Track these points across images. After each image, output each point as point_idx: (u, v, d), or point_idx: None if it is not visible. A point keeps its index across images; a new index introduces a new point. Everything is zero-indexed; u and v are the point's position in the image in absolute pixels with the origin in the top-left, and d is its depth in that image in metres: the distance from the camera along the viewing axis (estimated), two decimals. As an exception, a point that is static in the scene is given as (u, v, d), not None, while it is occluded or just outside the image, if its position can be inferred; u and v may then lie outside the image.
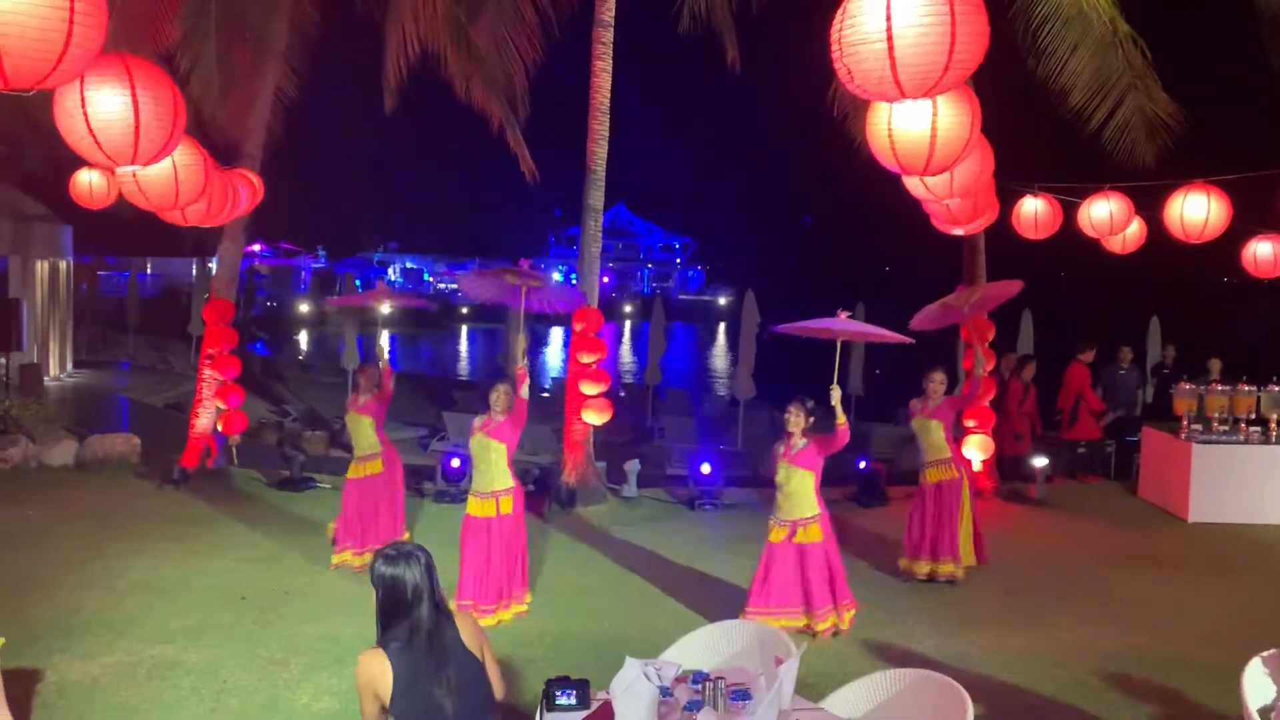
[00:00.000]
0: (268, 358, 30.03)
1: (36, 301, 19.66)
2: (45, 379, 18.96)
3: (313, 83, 13.52)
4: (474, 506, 7.57)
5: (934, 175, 5.57)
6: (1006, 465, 12.49)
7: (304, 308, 55.41)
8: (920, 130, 5.01)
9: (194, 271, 37.14)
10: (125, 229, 18.66)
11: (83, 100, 5.01)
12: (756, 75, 13.26)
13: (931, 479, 8.79)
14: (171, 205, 6.93)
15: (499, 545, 7.53)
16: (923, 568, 8.76)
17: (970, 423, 11.77)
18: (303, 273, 69.11)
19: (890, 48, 4.36)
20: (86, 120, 5.04)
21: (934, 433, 8.78)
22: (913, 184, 6.40)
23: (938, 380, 8.83)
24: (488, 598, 7.48)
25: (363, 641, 7.11)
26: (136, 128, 5.11)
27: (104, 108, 5.05)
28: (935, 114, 4.94)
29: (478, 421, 7.61)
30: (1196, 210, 9.22)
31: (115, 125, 5.08)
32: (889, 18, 4.32)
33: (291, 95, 13.15)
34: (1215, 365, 12.45)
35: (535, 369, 38.76)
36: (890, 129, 5.07)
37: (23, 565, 8.60)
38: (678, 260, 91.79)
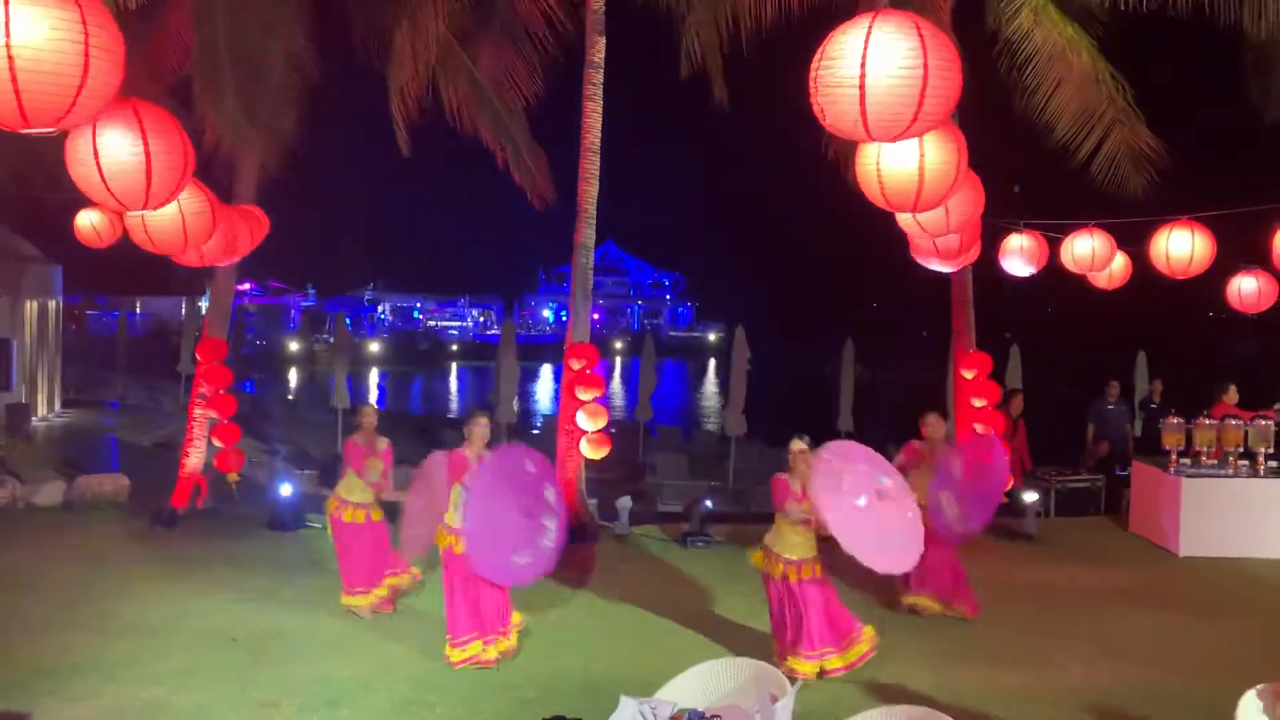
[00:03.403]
0: (256, 397, 30.00)
1: (25, 341, 19.62)
2: (33, 419, 18.88)
3: (304, 121, 13.59)
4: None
5: (923, 212, 5.66)
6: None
7: (293, 346, 55.39)
8: (908, 169, 5.11)
9: (183, 311, 37.13)
10: (115, 269, 18.69)
11: (94, 146, 5.06)
12: (747, 113, 13.39)
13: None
14: (181, 249, 6.95)
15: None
16: (933, 606, 8.74)
17: None
18: (292, 311, 69.14)
19: (862, 94, 4.48)
20: (99, 166, 5.09)
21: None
22: (906, 221, 6.47)
23: (934, 422, 8.81)
24: (495, 626, 7.46)
25: (357, 683, 7.15)
26: (148, 173, 5.16)
27: (115, 153, 5.10)
28: (922, 153, 5.04)
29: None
30: (1181, 247, 9.34)
31: (127, 170, 5.13)
32: (864, 65, 4.45)
33: (285, 135, 13.22)
34: (1233, 390, 12.34)
35: (526, 407, 38.75)
36: (879, 168, 5.17)
37: (10, 607, 8.51)
38: (668, 297, 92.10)
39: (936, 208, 5.60)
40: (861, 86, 4.45)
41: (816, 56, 4.67)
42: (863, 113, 4.50)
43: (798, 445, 7.19)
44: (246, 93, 11.92)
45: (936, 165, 5.10)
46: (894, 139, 4.69)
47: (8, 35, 4.05)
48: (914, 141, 4.99)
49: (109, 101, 4.48)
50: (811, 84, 4.69)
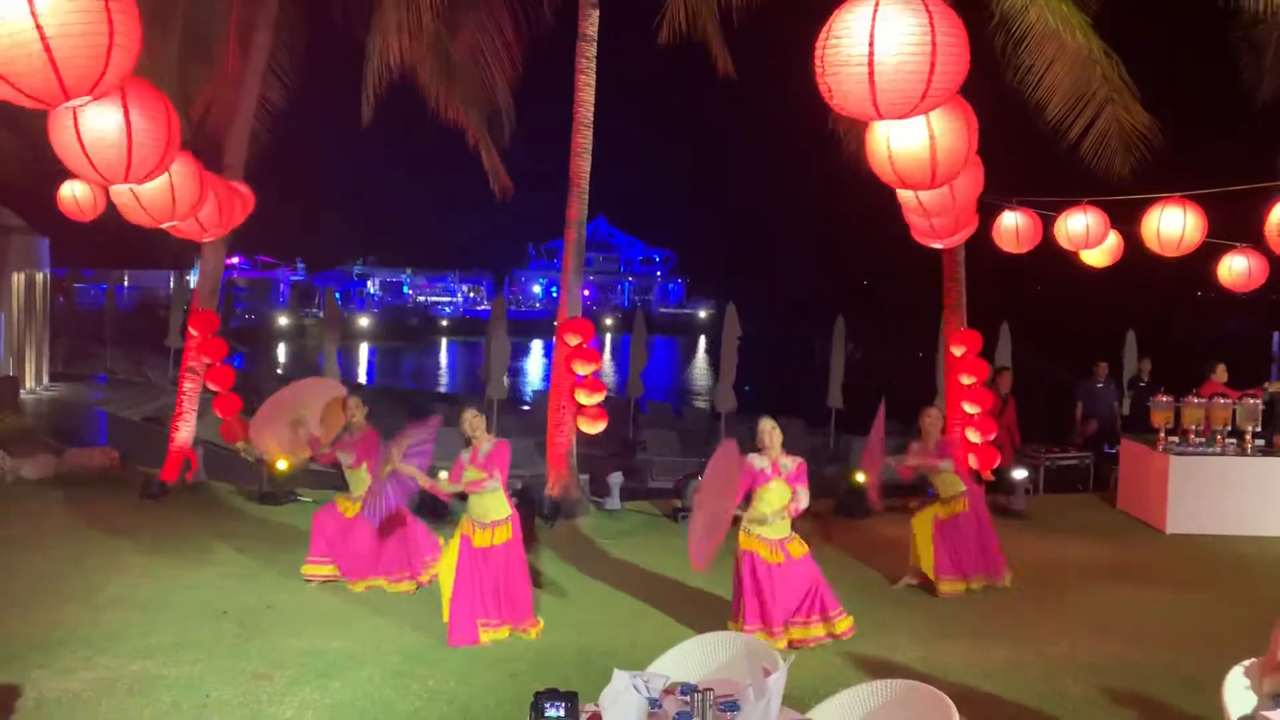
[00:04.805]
0: (246, 371, 29.91)
1: (13, 314, 19.52)
2: (21, 392, 18.80)
3: (292, 95, 13.51)
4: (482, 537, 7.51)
5: (938, 188, 5.59)
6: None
7: (283, 320, 55.23)
8: (919, 145, 5.03)
9: (171, 284, 37.01)
10: (103, 241, 18.56)
11: (75, 118, 4.99)
12: (738, 86, 13.29)
13: (954, 511, 8.82)
14: (169, 217, 6.88)
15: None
16: (976, 584, 8.85)
17: (974, 436, 11.87)
18: (281, 285, 68.90)
19: (871, 73, 4.42)
20: (79, 138, 5.02)
21: (946, 473, 8.82)
22: (908, 200, 6.41)
23: (934, 417, 8.89)
24: (516, 615, 7.59)
25: (348, 656, 7.16)
26: (129, 147, 5.09)
27: (97, 126, 5.03)
28: (931, 129, 4.98)
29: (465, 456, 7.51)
30: (1173, 224, 9.33)
31: (107, 144, 5.07)
32: (872, 43, 4.38)
33: (273, 107, 13.14)
34: (1221, 369, 12.37)
35: (515, 382, 38.70)
36: (889, 147, 5.10)
37: None
38: (658, 273, 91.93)
39: (950, 182, 5.53)
40: (870, 65, 4.39)
41: (822, 35, 4.59)
42: (871, 91, 4.44)
43: (768, 424, 7.34)
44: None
45: (948, 140, 5.03)
46: (903, 116, 4.64)
47: (33, 10, 4.00)
48: (923, 118, 4.93)
49: (131, 68, 4.43)
50: (818, 63, 4.62)
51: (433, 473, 7.79)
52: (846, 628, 7.48)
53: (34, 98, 4.25)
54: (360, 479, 8.70)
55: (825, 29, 4.57)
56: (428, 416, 8.43)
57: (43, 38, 4.02)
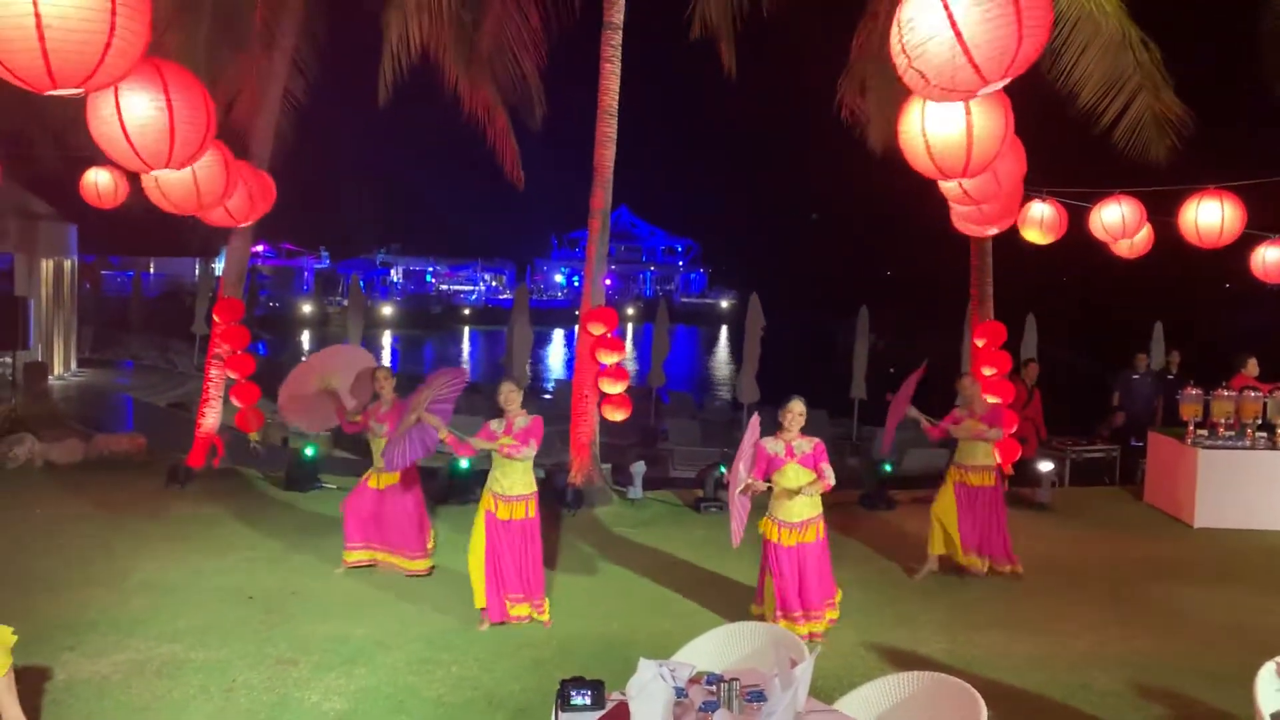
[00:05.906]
0: (270, 359, 30.12)
1: (41, 300, 19.70)
2: (50, 378, 18.99)
3: (317, 83, 13.54)
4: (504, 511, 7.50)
5: (973, 177, 5.49)
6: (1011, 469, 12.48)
7: (306, 308, 55.57)
8: (956, 133, 4.92)
9: (197, 271, 37.28)
10: (129, 228, 18.70)
11: (118, 106, 5.03)
12: (762, 78, 13.22)
13: (984, 483, 8.84)
14: (194, 207, 6.93)
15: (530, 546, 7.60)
16: (982, 564, 8.87)
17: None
18: (305, 273, 69.28)
19: (961, 42, 4.23)
20: (122, 125, 5.07)
21: (990, 441, 8.83)
22: (951, 189, 6.31)
23: (969, 381, 9.03)
24: (534, 592, 7.56)
25: (373, 642, 7.19)
26: (172, 132, 5.14)
27: (139, 112, 5.08)
28: (969, 114, 4.88)
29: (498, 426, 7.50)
30: (1211, 216, 9.22)
31: (151, 130, 5.11)
32: (950, 14, 4.21)
33: (298, 96, 13.17)
34: (1252, 363, 12.25)
35: (537, 371, 38.80)
36: (925, 135, 4.99)
37: (30, 564, 8.60)
38: (680, 263, 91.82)
39: (984, 172, 5.43)
40: (958, 37, 4.20)
41: (894, 29, 4.44)
42: (969, 59, 4.26)
43: (798, 406, 7.25)
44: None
45: (984, 128, 4.91)
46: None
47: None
48: (960, 105, 4.82)
49: (135, 63, 4.45)
50: (899, 53, 4.44)
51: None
52: (818, 630, 7.27)
53: (23, 81, 4.27)
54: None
55: (895, 22, 4.40)
56: (457, 366, 8.41)
57: (39, 25, 4.05)
